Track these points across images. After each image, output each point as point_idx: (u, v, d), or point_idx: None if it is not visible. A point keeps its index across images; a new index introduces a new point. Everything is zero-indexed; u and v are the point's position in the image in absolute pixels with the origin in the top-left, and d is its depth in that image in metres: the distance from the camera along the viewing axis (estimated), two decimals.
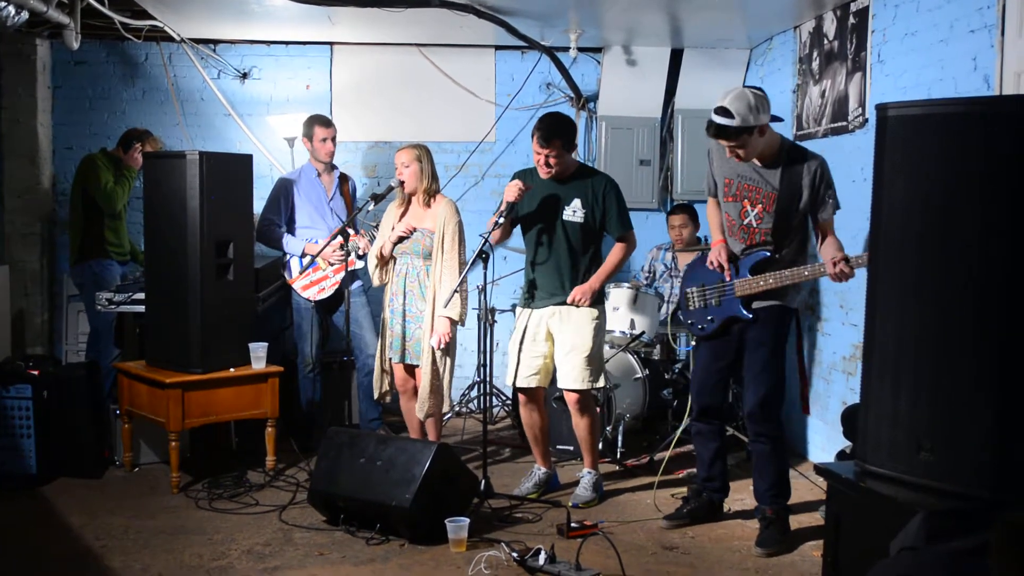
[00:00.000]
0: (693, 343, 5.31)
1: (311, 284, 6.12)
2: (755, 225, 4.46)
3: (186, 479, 5.39)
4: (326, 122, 6.27)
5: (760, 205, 4.44)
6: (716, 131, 4.32)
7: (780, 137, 4.50)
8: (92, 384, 5.70)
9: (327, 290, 6.07)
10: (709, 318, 4.62)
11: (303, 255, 6.03)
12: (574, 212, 5.00)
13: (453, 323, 5.27)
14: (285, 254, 6.21)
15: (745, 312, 4.47)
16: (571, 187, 5.03)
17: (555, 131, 4.91)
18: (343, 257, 5.86)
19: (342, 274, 5.96)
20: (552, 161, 4.92)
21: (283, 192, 6.18)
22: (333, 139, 6.25)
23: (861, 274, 5.30)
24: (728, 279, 4.52)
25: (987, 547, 2.58)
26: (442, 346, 5.25)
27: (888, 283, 3.20)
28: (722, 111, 4.26)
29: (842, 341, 5.61)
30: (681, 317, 4.89)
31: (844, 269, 4.21)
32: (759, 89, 4.38)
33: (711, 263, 4.59)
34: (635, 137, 7.40)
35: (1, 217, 6.91)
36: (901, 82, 4.96)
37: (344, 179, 6.45)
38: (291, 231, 6.17)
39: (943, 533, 2.73)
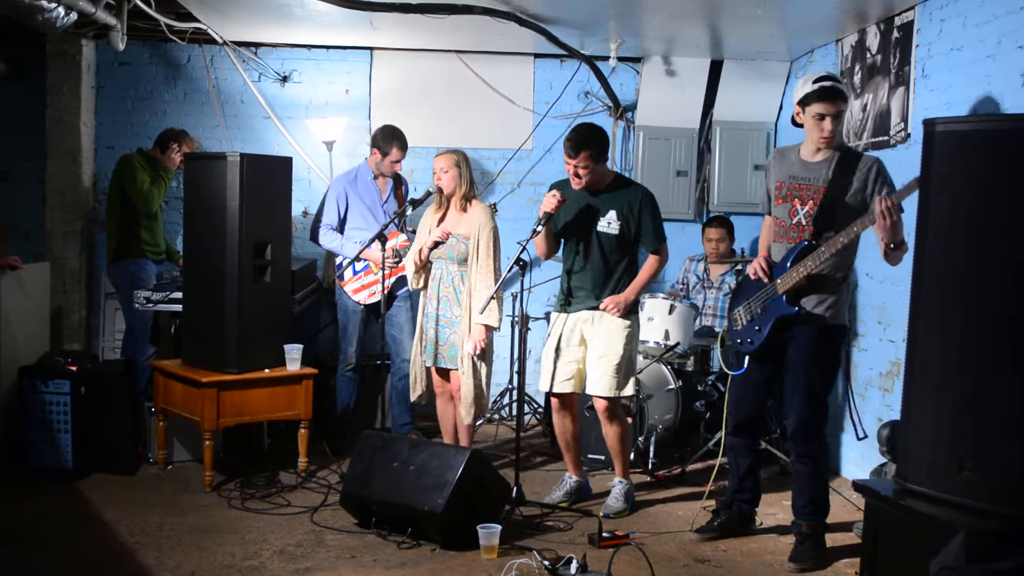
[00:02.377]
0: (745, 366, 4.80)
1: (362, 288, 6.15)
2: (804, 224, 4.37)
3: (219, 478, 5.42)
4: (404, 145, 6.25)
5: (811, 202, 4.35)
6: (833, 92, 4.23)
7: (843, 141, 4.47)
8: (128, 381, 5.76)
9: (377, 294, 6.10)
10: (756, 328, 4.51)
11: (358, 259, 6.04)
12: (609, 224, 4.99)
13: (489, 329, 5.29)
14: (338, 256, 6.24)
15: (791, 307, 4.35)
16: (607, 199, 5.03)
17: (584, 142, 4.90)
18: (395, 262, 5.89)
19: (393, 278, 5.98)
20: (582, 172, 4.92)
21: (340, 193, 6.22)
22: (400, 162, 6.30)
23: (901, 290, 5.27)
24: (768, 282, 4.47)
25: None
26: (477, 352, 5.26)
27: (931, 300, 3.18)
28: (830, 78, 4.27)
29: (879, 357, 5.56)
30: (731, 342, 4.75)
31: (888, 205, 3.93)
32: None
33: (752, 272, 4.54)
34: (672, 148, 7.38)
35: (43, 214, 7.00)
36: (945, 97, 4.92)
37: (399, 182, 6.49)
38: (342, 231, 6.21)
39: (983, 553, 2.71)
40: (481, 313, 5.20)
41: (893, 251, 4.15)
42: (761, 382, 4.61)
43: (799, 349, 4.40)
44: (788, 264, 4.36)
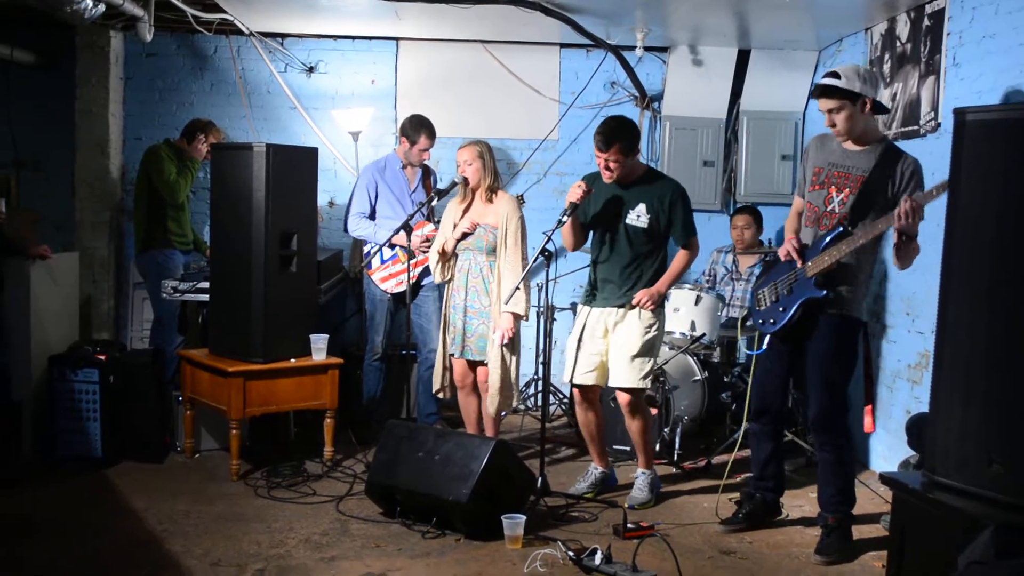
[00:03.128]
0: (764, 347, 4.87)
1: (389, 276, 6.17)
2: (838, 211, 4.34)
3: (245, 467, 5.45)
4: (433, 134, 6.26)
5: (847, 189, 4.33)
6: (820, 90, 4.28)
7: (886, 136, 4.43)
8: (156, 371, 5.81)
9: (404, 283, 6.11)
10: (780, 308, 4.50)
11: (392, 246, 6.06)
12: (638, 217, 4.97)
13: (517, 319, 5.29)
14: (368, 245, 6.25)
15: (819, 290, 4.33)
16: (636, 192, 5.00)
17: (615, 135, 4.87)
18: (425, 251, 5.91)
19: (420, 268, 6.00)
20: (612, 166, 4.90)
21: (369, 182, 6.23)
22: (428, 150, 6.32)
23: (930, 281, 5.21)
24: (800, 264, 4.44)
25: None
26: (505, 341, 5.27)
27: (961, 291, 3.14)
28: (831, 74, 4.28)
29: (908, 349, 5.51)
30: (753, 321, 4.77)
31: (912, 206, 3.94)
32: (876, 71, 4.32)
33: (782, 253, 4.52)
34: (699, 138, 7.34)
35: (72, 205, 7.06)
36: (977, 86, 4.86)
37: (427, 172, 6.50)
38: (372, 219, 6.23)
39: (1013, 548, 2.69)
40: (506, 303, 5.20)
41: (905, 243, 4.14)
42: (783, 371, 4.59)
43: (818, 340, 4.41)
44: (821, 247, 4.34)
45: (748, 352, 6.16)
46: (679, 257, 5.05)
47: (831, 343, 4.39)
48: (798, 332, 4.48)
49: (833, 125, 4.31)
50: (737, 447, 5.24)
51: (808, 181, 4.54)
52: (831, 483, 4.48)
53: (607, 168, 4.91)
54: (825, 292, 4.33)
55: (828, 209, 4.40)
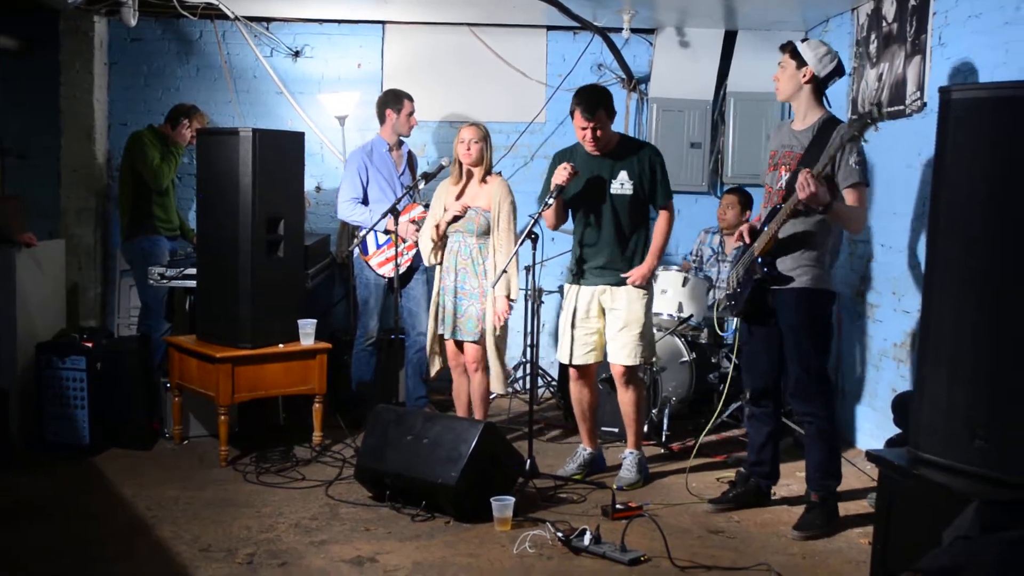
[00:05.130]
0: (734, 326, 5.35)
1: (386, 261, 6.15)
2: (783, 189, 4.44)
3: (234, 453, 5.45)
4: (411, 96, 6.31)
5: (787, 167, 4.45)
6: (783, 44, 4.52)
7: (827, 112, 4.50)
8: (143, 357, 5.80)
9: (403, 266, 6.10)
10: (739, 290, 4.61)
11: (387, 232, 6.05)
12: (622, 185, 4.98)
13: (510, 301, 5.30)
14: (362, 230, 6.24)
15: (764, 268, 4.41)
16: (616, 160, 5.02)
17: (597, 102, 4.89)
18: (417, 230, 5.90)
19: (414, 251, 5.99)
20: (599, 134, 4.91)
21: (360, 166, 6.22)
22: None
23: (915, 261, 5.23)
24: (750, 246, 4.51)
25: None
26: (501, 323, 5.28)
27: (946, 269, 3.15)
28: (804, 40, 4.50)
29: (893, 328, 5.53)
30: (725, 304, 4.88)
31: (805, 177, 4.09)
32: (838, 60, 4.45)
33: (735, 236, 4.65)
34: (686, 120, 7.33)
35: (57, 192, 7.02)
36: (962, 65, 4.86)
37: (411, 156, 6.49)
38: (365, 204, 6.21)
39: (997, 522, 2.70)
40: (493, 287, 5.20)
41: (827, 214, 4.28)
42: (771, 350, 4.61)
43: (786, 314, 4.47)
44: (764, 228, 4.44)
45: (722, 334, 6.21)
46: (661, 224, 5.06)
47: (800, 315, 4.44)
48: (767, 310, 4.53)
49: (777, 82, 4.55)
50: (719, 429, 5.27)
51: (767, 166, 4.65)
52: (812, 457, 4.53)
53: (594, 138, 4.91)
54: (767, 269, 4.42)
55: (776, 188, 4.50)
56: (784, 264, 4.43)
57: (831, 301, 4.55)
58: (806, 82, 4.43)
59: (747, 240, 4.54)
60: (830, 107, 4.55)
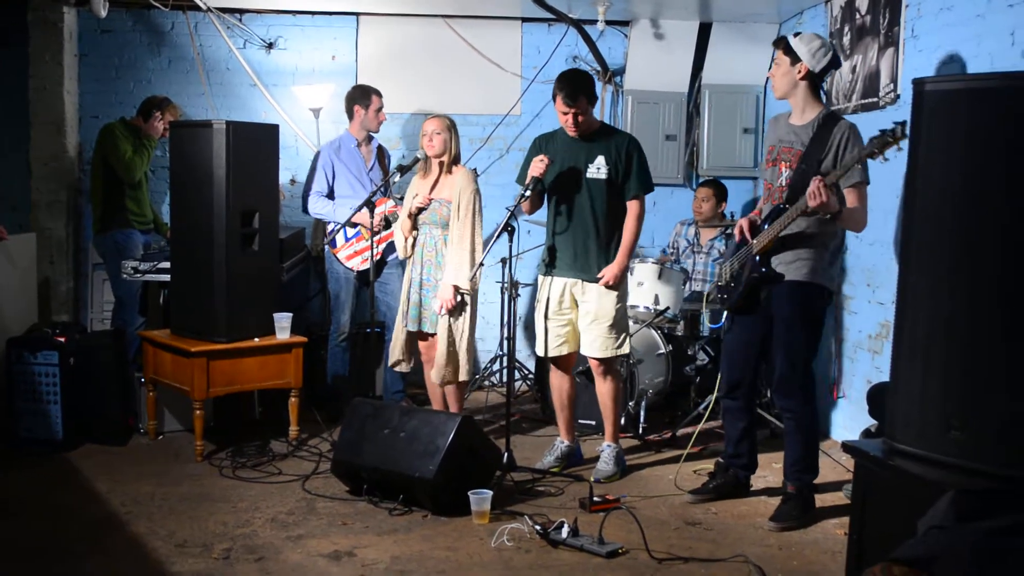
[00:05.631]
0: (722, 322, 5.41)
1: (355, 254, 6.13)
2: (785, 185, 4.42)
3: (210, 447, 5.42)
4: (380, 92, 6.31)
5: (789, 163, 4.43)
6: (775, 41, 4.52)
7: (826, 107, 4.49)
8: (117, 352, 5.74)
9: (369, 260, 6.07)
10: (733, 285, 4.62)
11: (353, 225, 6.02)
12: (598, 169, 4.98)
13: (458, 290, 5.23)
14: (330, 224, 6.20)
15: (760, 268, 4.42)
16: (594, 144, 5.03)
17: (579, 87, 4.91)
18: (383, 227, 5.88)
19: (384, 244, 5.96)
20: (581, 118, 4.92)
21: (326, 162, 6.19)
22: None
23: (890, 253, 5.27)
24: (749, 242, 4.51)
25: (1017, 526, 2.57)
26: (443, 312, 5.24)
27: (920, 260, 3.17)
28: (796, 34, 4.46)
29: (868, 319, 5.56)
30: (713, 297, 4.87)
31: (818, 186, 4.08)
32: (833, 52, 4.43)
33: (736, 231, 4.61)
34: (661, 112, 7.35)
35: (27, 185, 6.93)
36: (935, 57, 4.89)
37: (381, 150, 6.47)
38: (331, 199, 6.19)
39: (972, 512, 2.72)
40: (472, 277, 5.19)
41: (829, 220, 4.29)
42: (752, 342, 4.61)
43: (778, 308, 4.46)
44: (765, 226, 4.43)
45: (711, 326, 6.22)
46: (630, 218, 5.03)
47: (793, 309, 4.43)
48: (762, 304, 4.52)
49: (773, 79, 4.52)
50: (697, 420, 5.29)
51: (764, 160, 4.63)
52: (791, 450, 4.54)
53: (575, 122, 4.93)
54: (764, 269, 4.41)
55: (777, 185, 4.48)
56: (784, 257, 4.41)
57: (826, 297, 4.53)
58: (801, 78, 4.39)
59: (748, 237, 4.51)
60: (826, 100, 4.53)
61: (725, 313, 4.72)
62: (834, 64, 4.43)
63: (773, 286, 4.43)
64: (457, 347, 5.32)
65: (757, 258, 4.44)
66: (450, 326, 5.29)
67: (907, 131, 3.80)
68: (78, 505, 4.62)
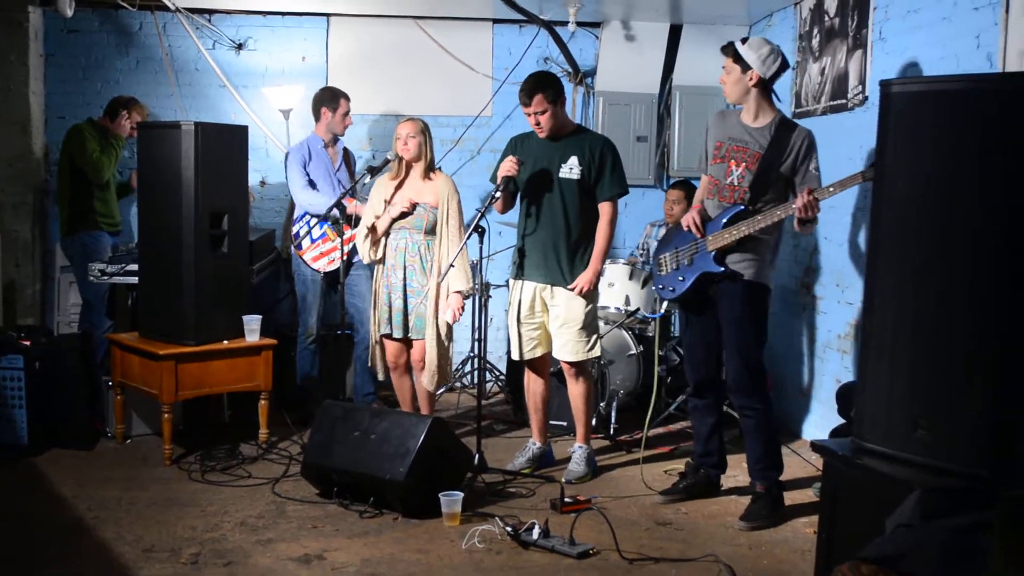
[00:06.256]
0: (662, 311, 5.62)
1: (321, 255, 6.10)
2: (736, 184, 4.46)
3: (179, 451, 5.37)
4: (348, 96, 6.29)
5: (744, 164, 4.46)
6: (723, 48, 4.51)
7: (779, 112, 4.52)
8: (84, 355, 5.69)
9: (336, 261, 6.04)
10: (680, 278, 4.62)
11: (321, 223, 5.98)
12: (571, 169, 4.97)
13: (463, 296, 5.27)
14: (295, 226, 6.16)
15: (717, 266, 4.46)
16: (567, 144, 5.02)
17: (537, 86, 4.90)
18: (353, 226, 5.86)
19: (350, 245, 5.94)
20: (541, 119, 4.92)
21: (299, 158, 6.16)
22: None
23: (859, 253, 5.31)
24: (700, 237, 4.52)
25: (983, 524, 2.58)
26: (457, 320, 5.25)
27: (887, 260, 3.18)
28: (744, 40, 4.49)
29: (837, 319, 5.60)
30: (653, 286, 4.92)
31: (809, 200, 4.13)
32: (782, 57, 4.45)
33: (684, 224, 4.61)
34: (632, 113, 7.36)
35: None
36: (902, 60, 4.94)
37: (347, 152, 6.45)
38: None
39: (939, 511, 2.73)
40: (441, 280, 5.18)
41: (803, 226, 4.32)
42: (712, 340, 4.65)
43: (727, 307, 4.51)
44: (722, 223, 4.44)
45: (648, 316, 6.21)
46: (603, 222, 5.01)
47: (742, 309, 4.48)
48: (708, 300, 4.58)
49: (724, 84, 4.54)
50: (667, 421, 5.30)
51: (710, 155, 4.64)
52: (754, 448, 4.58)
53: (537, 123, 4.93)
54: (723, 269, 4.45)
55: (728, 182, 4.51)
56: (732, 257, 4.47)
57: (768, 295, 4.60)
58: (753, 85, 4.43)
59: (700, 232, 4.53)
60: (780, 102, 4.56)
61: (665, 303, 4.67)
62: (783, 69, 4.48)
63: (727, 283, 4.47)
64: (446, 353, 5.36)
65: (712, 255, 4.46)
66: (439, 332, 5.30)
67: None
68: (44, 511, 4.56)
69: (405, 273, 5.35)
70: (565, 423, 5.75)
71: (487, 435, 5.73)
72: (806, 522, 4.50)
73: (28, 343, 5.45)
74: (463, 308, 5.29)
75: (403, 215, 5.31)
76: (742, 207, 4.40)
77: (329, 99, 6.24)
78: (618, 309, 6.17)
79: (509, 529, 4.21)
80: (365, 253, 5.45)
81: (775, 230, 4.47)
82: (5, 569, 3.91)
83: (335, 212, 5.61)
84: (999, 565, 2.24)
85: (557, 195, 4.98)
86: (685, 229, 4.61)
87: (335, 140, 6.33)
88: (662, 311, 4.80)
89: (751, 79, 4.42)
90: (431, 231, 5.31)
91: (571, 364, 5.07)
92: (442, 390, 5.71)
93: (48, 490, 4.85)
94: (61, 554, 4.05)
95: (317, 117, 6.27)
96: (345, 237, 5.79)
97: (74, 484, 4.90)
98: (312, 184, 6.13)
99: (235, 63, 7.15)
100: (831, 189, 4.15)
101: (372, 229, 5.36)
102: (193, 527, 4.36)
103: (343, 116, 6.23)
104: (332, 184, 6.16)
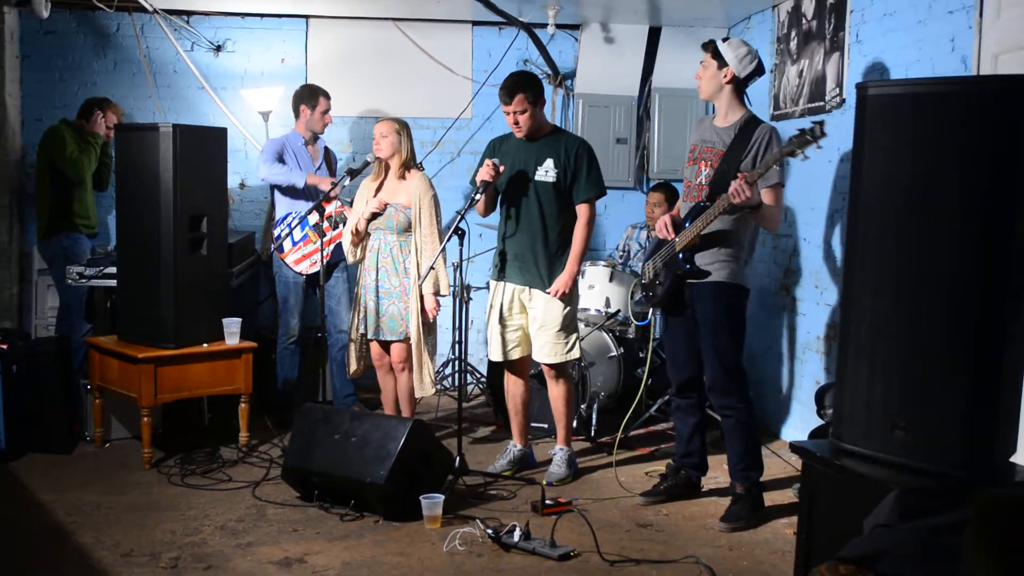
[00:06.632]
0: (649, 318, 5.55)
1: (303, 258, 6.09)
2: (704, 183, 4.51)
3: (158, 455, 5.34)
4: (328, 94, 6.28)
5: (710, 163, 4.52)
6: (704, 44, 4.60)
7: (749, 112, 4.57)
8: (62, 359, 5.65)
9: (318, 264, 6.02)
10: (659, 282, 4.68)
11: (302, 225, 5.98)
12: (547, 172, 4.97)
13: (438, 298, 5.29)
14: (276, 229, 6.14)
15: (684, 264, 4.49)
16: (544, 146, 5.01)
17: (518, 86, 4.91)
18: (333, 228, 5.85)
19: (332, 246, 5.93)
20: (520, 119, 4.92)
21: (272, 148, 6.13)
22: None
23: (837, 255, 5.34)
24: (671, 238, 4.56)
25: (960, 524, 2.61)
26: (431, 320, 5.27)
27: (865, 262, 3.21)
28: (725, 39, 4.58)
29: (816, 321, 5.63)
30: (639, 295, 4.98)
31: (739, 185, 4.14)
32: (759, 60, 4.51)
33: (657, 229, 4.66)
34: (612, 115, 7.38)
35: None
36: (879, 62, 4.97)
37: (328, 152, 6.44)
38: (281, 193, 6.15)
39: (916, 511, 2.75)
40: (421, 283, 5.19)
41: (753, 214, 4.37)
42: (689, 339, 4.67)
43: (702, 308, 4.55)
44: (687, 223, 4.49)
45: (637, 324, 6.24)
46: (580, 224, 5.00)
47: (718, 309, 4.52)
48: (683, 302, 4.60)
49: (699, 79, 4.62)
50: (647, 422, 5.31)
51: (686, 158, 4.71)
52: (733, 448, 4.61)
53: (516, 123, 4.94)
54: (688, 266, 4.49)
55: (696, 183, 4.58)
56: (703, 259, 4.50)
57: (745, 296, 4.62)
58: (727, 82, 4.51)
59: (671, 234, 4.57)
60: (751, 105, 4.62)
61: (651, 311, 4.79)
62: (759, 72, 4.55)
63: (698, 280, 4.50)
64: (432, 356, 5.37)
65: (681, 255, 4.51)
66: (425, 336, 5.30)
67: (825, 130, 3.95)
68: (22, 516, 4.53)
69: (378, 275, 5.36)
70: (546, 425, 5.75)
71: (468, 437, 5.72)
72: (786, 523, 4.53)
73: (5, 346, 5.40)
74: (439, 305, 5.31)
75: (375, 216, 5.32)
76: (702, 204, 4.45)
77: (308, 96, 6.23)
78: (598, 311, 6.18)
79: (490, 531, 4.21)
80: (349, 254, 5.48)
81: (743, 226, 4.49)
82: None
83: (315, 215, 5.59)
84: (976, 565, 2.26)
85: (534, 198, 4.99)
86: (656, 233, 4.67)
87: (315, 139, 6.32)
88: (649, 317, 4.82)
89: (726, 76, 4.49)
90: (404, 231, 5.33)
91: (551, 366, 5.08)
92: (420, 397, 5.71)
93: (25, 495, 4.82)
94: (39, 560, 4.03)
95: (297, 114, 6.26)
96: (326, 239, 5.78)
97: (52, 489, 4.87)
98: (286, 189, 6.11)
99: (214, 65, 7.12)
100: (758, 171, 4.21)
101: (356, 230, 5.38)
102: (173, 531, 4.34)
103: (322, 114, 6.22)
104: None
